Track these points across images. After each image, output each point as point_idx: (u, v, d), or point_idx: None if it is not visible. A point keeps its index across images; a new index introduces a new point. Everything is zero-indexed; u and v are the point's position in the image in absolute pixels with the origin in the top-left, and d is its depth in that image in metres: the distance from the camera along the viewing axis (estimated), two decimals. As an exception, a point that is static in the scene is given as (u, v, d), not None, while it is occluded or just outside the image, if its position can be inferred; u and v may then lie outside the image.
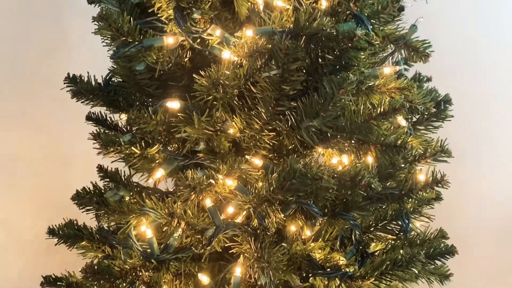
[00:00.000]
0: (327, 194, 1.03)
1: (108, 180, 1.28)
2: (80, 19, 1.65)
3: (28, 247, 1.91)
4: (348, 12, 1.09)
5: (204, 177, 1.05)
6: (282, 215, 1.08)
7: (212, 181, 1.05)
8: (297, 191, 1.00)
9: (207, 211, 1.09)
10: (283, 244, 1.16)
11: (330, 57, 1.05)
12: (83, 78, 1.31)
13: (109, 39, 1.11)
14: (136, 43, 1.10)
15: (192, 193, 1.03)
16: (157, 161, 1.23)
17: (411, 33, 1.22)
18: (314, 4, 1.14)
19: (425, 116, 1.27)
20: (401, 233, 1.19)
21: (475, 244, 1.95)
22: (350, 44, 1.01)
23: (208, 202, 1.09)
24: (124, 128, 1.34)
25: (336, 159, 1.17)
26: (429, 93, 1.28)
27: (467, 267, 1.80)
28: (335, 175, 1.04)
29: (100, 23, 1.08)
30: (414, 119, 1.28)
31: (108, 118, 1.37)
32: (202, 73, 1.07)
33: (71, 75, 1.30)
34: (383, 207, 1.18)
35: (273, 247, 1.07)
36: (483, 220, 2.01)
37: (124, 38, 1.09)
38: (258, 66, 1.06)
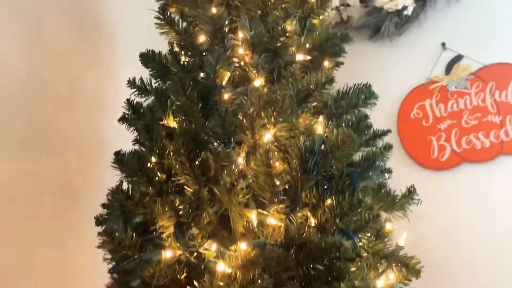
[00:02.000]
0: None
1: None
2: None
3: None
4: (335, 227, 1.18)
5: None
6: None
7: None
8: None
9: None
10: None
11: (321, 267, 1.08)
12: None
13: (109, 252, 1.17)
14: (135, 257, 1.16)
15: None
16: None
17: (399, 250, 1.27)
18: (304, 222, 1.23)
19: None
20: None
21: None
22: (337, 254, 1.06)
23: None
24: None
25: None
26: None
27: None
28: None
29: (104, 237, 1.15)
30: None
31: None
32: (196, 284, 1.08)
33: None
34: None
35: None
36: None
37: (125, 252, 1.15)
38: (251, 277, 1.08)
